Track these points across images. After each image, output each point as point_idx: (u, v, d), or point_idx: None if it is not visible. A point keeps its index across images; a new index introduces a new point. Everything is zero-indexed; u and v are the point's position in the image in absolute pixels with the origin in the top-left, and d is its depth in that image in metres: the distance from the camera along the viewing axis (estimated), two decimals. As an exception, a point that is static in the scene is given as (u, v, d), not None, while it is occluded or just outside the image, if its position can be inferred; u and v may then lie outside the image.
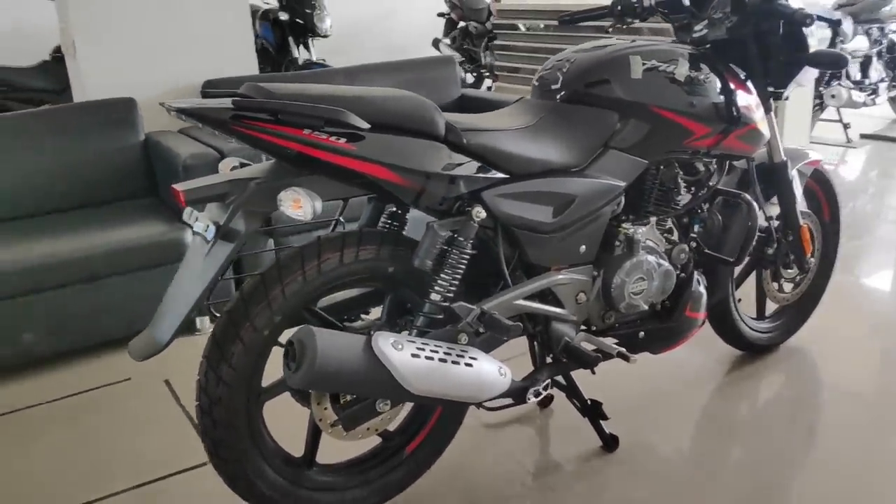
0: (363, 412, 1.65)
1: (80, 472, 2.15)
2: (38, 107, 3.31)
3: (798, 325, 2.64)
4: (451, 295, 1.70)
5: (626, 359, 1.92)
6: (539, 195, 1.78)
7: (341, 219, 1.89)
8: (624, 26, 2.22)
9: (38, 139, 2.98)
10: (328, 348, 1.46)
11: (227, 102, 1.43)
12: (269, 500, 1.68)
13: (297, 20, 6.02)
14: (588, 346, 1.95)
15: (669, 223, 2.16)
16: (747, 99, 2.05)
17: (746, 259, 2.19)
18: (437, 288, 1.68)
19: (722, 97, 1.98)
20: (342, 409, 1.64)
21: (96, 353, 2.79)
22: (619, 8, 2.16)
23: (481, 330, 1.69)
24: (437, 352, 1.58)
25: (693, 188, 2.10)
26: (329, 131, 1.49)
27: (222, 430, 1.59)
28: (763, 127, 2.10)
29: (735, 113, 2.00)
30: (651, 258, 1.97)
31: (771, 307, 2.59)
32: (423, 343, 1.58)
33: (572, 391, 2.16)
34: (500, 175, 1.72)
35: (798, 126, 4.20)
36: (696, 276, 2.13)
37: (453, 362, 1.59)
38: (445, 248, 1.68)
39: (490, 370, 1.66)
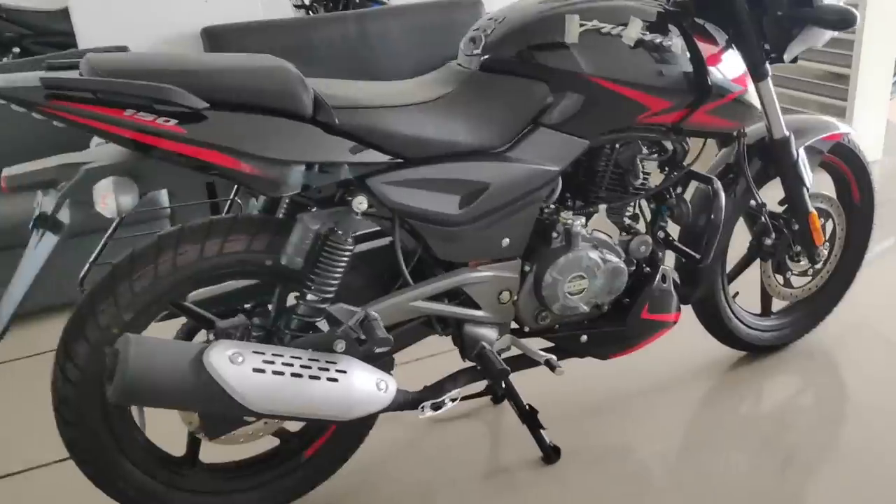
0: (223, 422, 1.50)
1: None
2: (61, 51, 3.25)
3: (813, 324, 2.28)
4: (330, 295, 1.50)
5: (551, 368, 1.67)
6: (440, 182, 1.53)
7: (238, 199, 1.71)
8: None
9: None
10: (147, 359, 1.30)
11: (36, 79, 1.26)
12: (136, 502, 1.58)
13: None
14: (516, 351, 1.73)
15: (634, 210, 1.85)
16: (726, 66, 1.70)
17: (718, 254, 1.87)
18: (313, 287, 1.49)
19: (686, 64, 1.65)
20: (204, 415, 1.50)
21: None
22: None
23: (363, 337, 1.49)
24: (290, 365, 1.40)
25: (658, 170, 1.79)
26: (160, 111, 1.30)
27: (73, 429, 1.48)
28: (751, 98, 1.75)
29: (705, 83, 1.66)
30: (593, 253, 1.69)
31: (780, 302, 2.24)
32: (274, 354, 1.40)
33: (510, 394, 1.93)
34: (388, 159, 1.48)
35: (872, 105, 3.65)
36: (662, 271, 1.83)
37: (311, 377, 1.41)
38: (323, 242, 1.48)
39: (363, 385, 1.46)
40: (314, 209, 1.52)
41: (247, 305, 1.66)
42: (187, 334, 1.64)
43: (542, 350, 1.75)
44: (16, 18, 3.78)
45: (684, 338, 2.13)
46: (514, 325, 1.75)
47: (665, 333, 1.88)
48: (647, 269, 1.83)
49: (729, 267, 2.13)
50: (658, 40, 1.61)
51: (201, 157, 1.34)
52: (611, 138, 1.68)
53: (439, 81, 1.61)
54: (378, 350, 1.47)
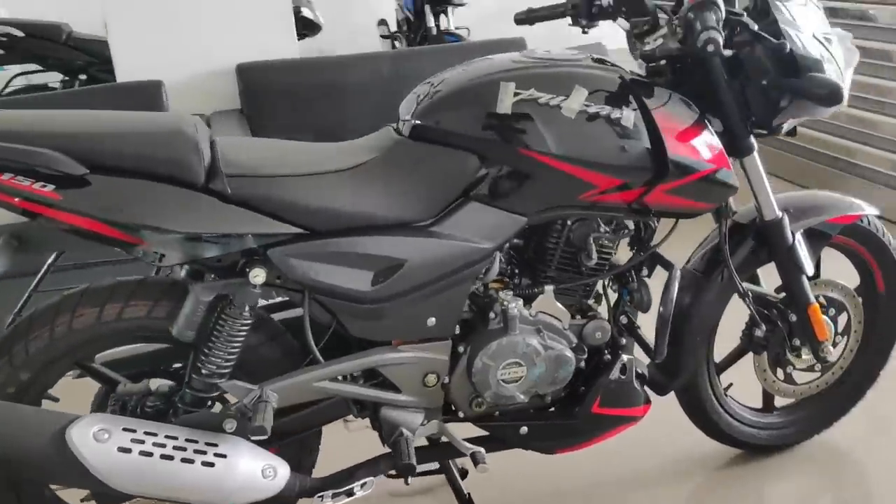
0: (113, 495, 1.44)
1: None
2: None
3: (823, 425, 2.01)
4: (225, 370, 1.42)
5: (475, 463, 1.53)
6: (350, 257, 1.43)
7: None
8: (585, 30, 1.74)
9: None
10: (3, 427, 1.26)
11: None
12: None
13: (434, -15, 5.76)
14: (444, 438, 1.59)
15: (595, 291, 1.68)
16: (692, 141, 1.51)
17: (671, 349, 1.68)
18: (206, 361, 1.41)
19: (640, 140, 1.47)
20: None
21: None
22: (571, 7, 1.69)
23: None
24: (162, 446, 1.32)
25: (615, 250, 1.62)
26: (40, 175, 1.26)
27: None
28: (725, 177, 1.55)
29: (661, 161, 1.48)
30: (533, 339, 1.54)
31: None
32: (147, 433, 1.33)
33: (449, 480, 1.79)
34: (290, 230, 1.39)
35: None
36: (623, 361, 1.65)
37: (184, 460, 1.33)
38: (218, 313, 1.40)
39: (245, 471, 1.37)
40: (212, 278, 1.44)
41: (176, 365, 1.61)
42: (104, 396, 1.60)
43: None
44: (82, 46, 3.95)
45: (674, 419, 1.91)
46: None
47: (627, 429, 1.69)
48: (608, 357, 1.66)
49: (723, 354, 1.92)
50: (605, 112, 1.44)
51: (79, 224, 1.29)
52: (554, 215, 1.53)
53: (367, 146, 1.51)
54: (254, 437, 1.37)
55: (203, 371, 1.42)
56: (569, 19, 1.73)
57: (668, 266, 1.63)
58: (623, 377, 1.65)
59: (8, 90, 4.20)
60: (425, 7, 6.00)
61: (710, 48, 1.41)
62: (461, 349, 1.56)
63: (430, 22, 5.98)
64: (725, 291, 1.75)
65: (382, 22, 5.98)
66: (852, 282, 1.92)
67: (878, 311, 1.93)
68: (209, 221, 1.33)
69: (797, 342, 1.80)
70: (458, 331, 1.56)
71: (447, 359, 1.54)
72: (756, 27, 1.49)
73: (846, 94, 1.54)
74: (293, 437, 1.52)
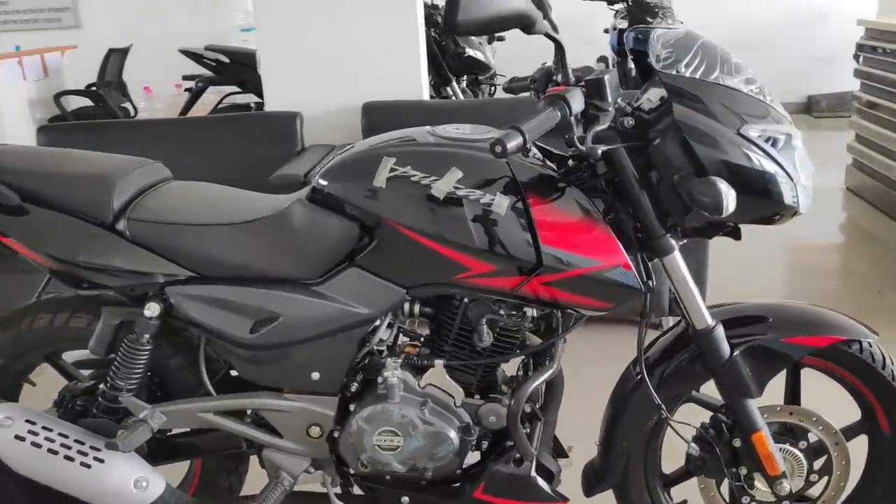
0: None
1: None
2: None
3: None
4: (130, 387, 1.62)
5: None
6: (230, 304, 1.55)
7: None
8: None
9: (215, 142, 3.49)
10: None
11: None
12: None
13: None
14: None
15: (503, 372, 1.63)
16: (573, 236, 1.42)
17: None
18: (113, 377, 1.62)
19: (512, 228, 1.41)
20: None
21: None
22: (533, 84, 1.66)
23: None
24: (51, 441, 1.55)
25: (521, 335, 1.55)
26: None
27: None
28: (620, 276, 1.42)
29: (530, 253, 1.41)
30: (411, 411, 1.54)
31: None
32: (44, 427, 1.56)
33: None
34: (182, 273, 1.55)
35: None
36: (517, 451, 1.58)
37: (66, 457, 1.54)
38: (122, 338, 1.60)
39: (117, 478, 1.55)
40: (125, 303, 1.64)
41: None
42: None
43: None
44: (243, 60, 4.45)
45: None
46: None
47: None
48: (508, 443, 1.60)
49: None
50: (475, 197, 1.41)
51: (10, 246, 1.56)
52: (436, 291, 1.52)
53: (273, 202, 1.61)
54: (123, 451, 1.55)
55: (110, 384, 1.63)
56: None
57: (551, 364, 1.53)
58: (514, 468, 1.57)
59: (220, 107, 4.89)
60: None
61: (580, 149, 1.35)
62: (352, 407, 1.60)
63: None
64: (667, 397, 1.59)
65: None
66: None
67: (883, 454, 1.62)
68: (109, 256, 1.54)
69: (744, 470, 1.57)
70: (354, 388, 1.61)
71: (332, 413, 1.60)
72: (626, 120, 1.39)
73: (801, 200, 1.36)
74: (180, 458, 1.68)
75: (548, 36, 1.34)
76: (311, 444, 1.62)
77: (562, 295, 1.44)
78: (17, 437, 1.55)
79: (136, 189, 1.60)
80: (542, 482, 1.58)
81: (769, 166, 1.36)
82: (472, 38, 4.52)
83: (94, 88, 6.39)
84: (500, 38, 4.77)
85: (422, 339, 1.63)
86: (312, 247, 1.53)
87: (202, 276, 1.55)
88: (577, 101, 1.30)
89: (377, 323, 1.56)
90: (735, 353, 1.50)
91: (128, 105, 6.93)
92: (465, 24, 1.18)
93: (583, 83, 1.37)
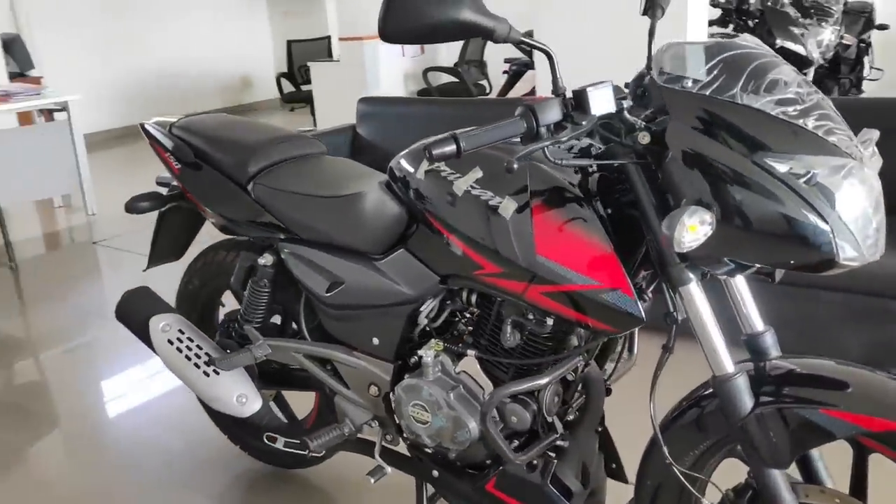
0: None
1: None
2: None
3: None
4: (253, 320, 1.98)
5: (373, 472, 1.75)
6: (316, 265, 1.79)
7: None
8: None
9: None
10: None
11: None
12: None
13: None
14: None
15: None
16: (573, 250, 1.36)
17: None
18: (244, 309, 1.99)
19: (516, 232, 1.41)
20: None
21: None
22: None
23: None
24: (189, 349, 1.98)
25: (539, 344, 1.54)
26: (175, 155, 2.01)
27: None
28: (617, 300, 1.34)
29: (527, 261, 1.39)
30: (438, 392, 1.64)
31: None
32: (189, 338, 1.99)
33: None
34: (284, 232, 1.84)
35: None
36: (534, 455, 1.59)
37: (196, 364, 1.96)
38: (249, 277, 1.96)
39: (224, 389, 1.93)
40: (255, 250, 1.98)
41: None
42: None
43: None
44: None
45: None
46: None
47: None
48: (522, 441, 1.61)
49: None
50: (486, 197, 1.43)
51: (190, 199, 2.00)
52: (463, 284, 1.57)
53: (365, 180, 1.79)
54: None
55: (241, 315, 2.00)
56: None
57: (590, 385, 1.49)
58: (526, 472, 1.58)
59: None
60: None
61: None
62: (403, 376, 1.75)
63: None
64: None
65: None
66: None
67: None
68: (241, 211, 1.89)
69: None
70: (407, 359, 1.76)
71: (388, 378, 1.77)
72: (641, 136, 1.26)
73: (840, 247, 1.14)
74: (281, 387, 2.00)
75: (524, 45, 1.30)
76: (371, 400, 1.81)
77: (561, 309, 1.41)
78: (169, 340, 2.01)
79: (276, 158, 1.92)
80: (554, 493, 1.57)
81: (792, 204, 1.16)
82: (792, 28, 4.09)
83: (455, 66, 7.12)
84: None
85: (468, 329, 1.70)
86: (378, 225, 1.70)
87: (300, 238, 1.83)
88: (550, 113, 1.26)
89: (425, 304, 1.67)
90: (756, 412, 1.31)
91: (484, 82, 7.57)
92: (396, 33, 1.20)
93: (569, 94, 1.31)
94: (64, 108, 5.32)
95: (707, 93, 1.21)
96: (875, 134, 1.31)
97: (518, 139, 1.28)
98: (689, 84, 1.22)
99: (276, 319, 2.04)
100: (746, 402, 1.31)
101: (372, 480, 1.79)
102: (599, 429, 1.69)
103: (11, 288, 4.24)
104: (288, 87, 8.27)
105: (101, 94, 9.45)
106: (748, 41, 1.29)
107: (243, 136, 1.96)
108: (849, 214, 1.16)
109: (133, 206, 2.03)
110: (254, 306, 1.96)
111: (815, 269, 1.21)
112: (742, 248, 1.21)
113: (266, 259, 1.90)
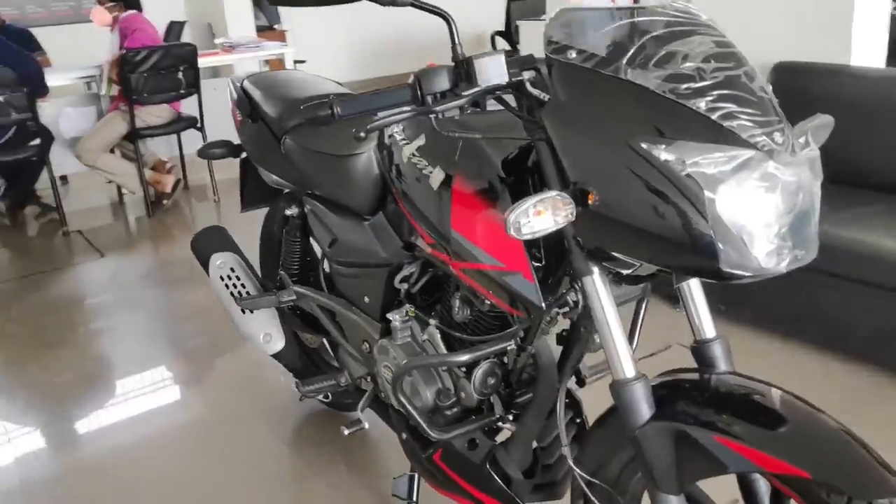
0: None
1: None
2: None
3: None
4: (286, 267, 2.12)
5: (350, 425, 1.83)
6: (322, 220, 1.87)
7: None
8: None
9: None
10: None
11: None
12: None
13: None
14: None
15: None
16: (483, 229, 1.30)
17: None
18: (282, 255, 2.13)
19: (437, 204, 1.37)
20: None
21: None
22: None
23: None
24: (234, 287, 2.16)
25: (485, 322, 1.50)
26: (238, 108, 2.17)
27: None
28: (518, 284, 1.26)
29: (445, 235, 1.35)
30: (402, 356, 1.65)
31: None
32: (238, 276, 2.18)
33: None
34: (305, 188, 1.93)
35: None
36: (475, 435, 1.56)
37: (236, 301, 2.14)
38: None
39: (254, 326, 2.11)
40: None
41: None
42: None
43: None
44: None
45: None
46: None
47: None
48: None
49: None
50: (420, 166, 1.40)
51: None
52: (419, 253, 1.56)
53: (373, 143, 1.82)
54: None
55: (281, 262, 2.15)
56: None
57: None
58: (468, 450, 1.56)
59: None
60: None
61: None
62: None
63: None
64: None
65: None
66: None
67: None
68: (275, 165, 2.01)
69: None
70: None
71: (377, 336, 1.81)
72: None
73: (724, 251, 0.99)
74: (302, 330, 2.12)
75: (420, 8, 1.22)
76: (364, 356, 1.87)
77: (476, 286, 1.36)
78: (220, 276, 2.21)
79: (314, 115, 2.01)
80: (491, 476, 1.53)
81: (670, 196, 1.01)
82: None
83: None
84: None
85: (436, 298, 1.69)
86: (365, 187, 1.73)
87: (316, 193, 1.91)
88: (437, 81, 1.19)
89: (404, 268, 1.68)
90: (649, 425, 1.18)
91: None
92: None
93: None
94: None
95: (590, 65, 1.08)
96: (822, 121, 1.10)
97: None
98: (574, 55, 1.10)
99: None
100: (643, 411, 1.19)
101: (346, 432, 1.86)
102: (576, 420, 1.58)
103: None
104: (503, 46, 8.31)
105: (341, 48, 10.16)
106: (670, 7, 1.12)
107: (290, 93, 2.06)
108: (736, 215, 1.00)
109: (205, 152, 2.24)
110: (287, 254, 2.10)
111: (702, 275, 1.06)
112: (620, 242, 1.10)
113: (293, 210, 2.01)
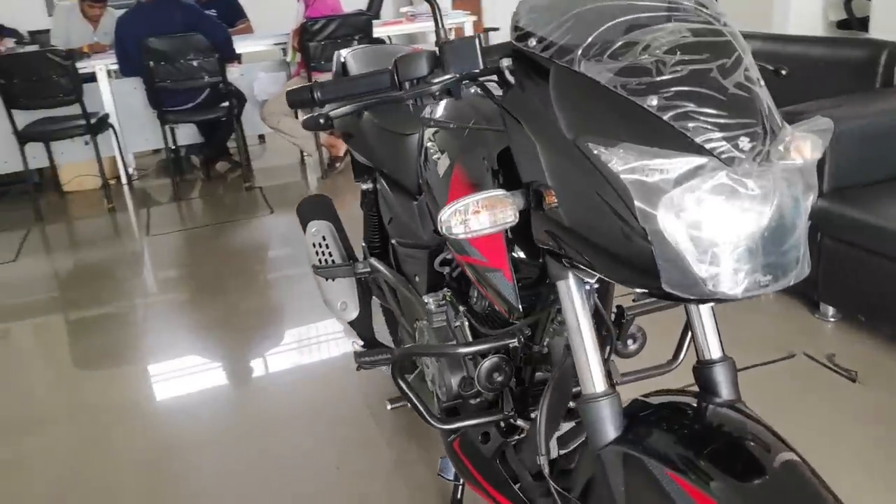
0: None
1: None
2: None
3: None
4: (372, 239, 2.17)
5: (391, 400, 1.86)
6: (384, 197, 1.89)
7: None
8: None
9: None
10: None
11: None
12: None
13: None
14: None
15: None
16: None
17: None
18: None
19: (441, 189, 1.34)
20: None
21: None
22: None
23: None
24: (322, 255, 2.24)
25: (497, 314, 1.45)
26: None
27: None
28: (498, 282, 1.21)
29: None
30: (434, 339, 1.65)
31: None
32: (328, 245, 2.25)
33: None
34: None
35: None
36: (490, 429, 1.53)
37: (322, 269, 2.22)
38: None
39: (333, 294, 2.18)
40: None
41: None
42: None
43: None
44: None
45: None
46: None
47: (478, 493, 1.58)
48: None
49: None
50: (432, 150, 1.37)
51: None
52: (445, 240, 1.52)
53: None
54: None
55: (365, 237, 2.20)
56: None
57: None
58: (481, 442, 1.53)
59: None
60: None
61: None
62: None
63: None
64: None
65: None
66: None
67: None
68: (354, 144, 2.05)
69: None
70: None
71: (422, 316, 1.82)
72: None
73: (665, 268, 0.87)
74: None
75: None
76: (413, 333, 1.88)
77: (474, 280, 1.31)
78: (313, 244, 2.29)
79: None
80: (500, 472, 1.50)
81: (612, 203, 0.91)
82: None
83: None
84: None
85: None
86: (414, 167, 1.72)
87: (382, 171, 1.93)
88: (414, 67, 1.14)
89: (444, 251, 1.66)
90: (610, 447, 1.08)
91: None
92: None
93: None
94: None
95: (547, 55, 0.99)
96: (820, 125, 0.93)
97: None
98: (534, 43, 1.01)
99: None
100: (607, 431, 1.10)
101: (389, 407, 1.88)
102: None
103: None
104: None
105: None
106: None
107: (370, 63, 2.09)
108: (678, 231, 0.88)
109: (307, 123, 2.32)
110: (367, 227, 2.15)
111: (654, 295, 0.95)
112: (571, 249, 1.01)
113: (368, 185, 2.05)
